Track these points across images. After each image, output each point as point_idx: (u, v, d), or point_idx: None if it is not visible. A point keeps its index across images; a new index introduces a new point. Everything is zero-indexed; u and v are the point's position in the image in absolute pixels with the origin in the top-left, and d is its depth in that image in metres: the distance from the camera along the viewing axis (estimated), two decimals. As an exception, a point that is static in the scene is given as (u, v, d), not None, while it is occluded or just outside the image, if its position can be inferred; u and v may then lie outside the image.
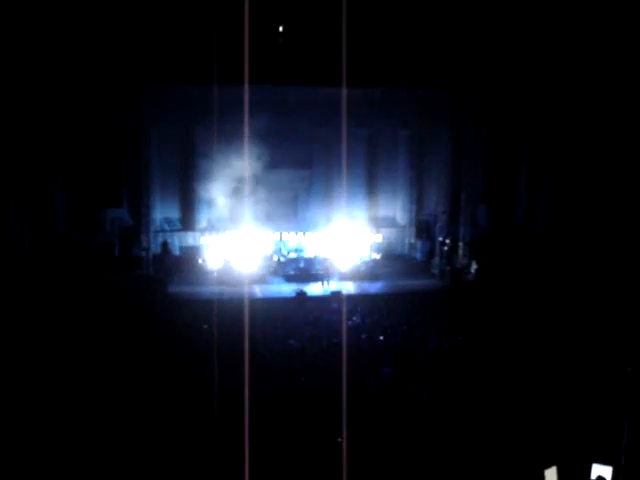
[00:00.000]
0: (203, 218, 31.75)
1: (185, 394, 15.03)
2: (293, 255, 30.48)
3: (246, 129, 31.35)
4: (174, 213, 32.28)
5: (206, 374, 14.78)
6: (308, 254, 30.42)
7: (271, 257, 30.59)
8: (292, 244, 30.89)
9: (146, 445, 13.04)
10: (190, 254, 30.94)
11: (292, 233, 30.97)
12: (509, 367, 17.67)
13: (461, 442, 13.53)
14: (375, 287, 28.91)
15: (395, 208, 34.64)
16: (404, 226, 34.25)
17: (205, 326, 19.41)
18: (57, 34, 26.83)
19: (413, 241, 33.91)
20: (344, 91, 30.52)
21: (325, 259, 30.34)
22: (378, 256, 31.00)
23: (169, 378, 16.20)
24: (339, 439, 13.25)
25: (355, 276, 29.65)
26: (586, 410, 14.75)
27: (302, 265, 30.02)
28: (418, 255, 33.40)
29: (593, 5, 27.52)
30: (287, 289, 27.84)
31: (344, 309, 23.59)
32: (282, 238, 30.98)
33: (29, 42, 26.41)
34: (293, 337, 19.77)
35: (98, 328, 20.64)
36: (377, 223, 33.70)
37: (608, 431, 13.47)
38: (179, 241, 31.73)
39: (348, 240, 30.85)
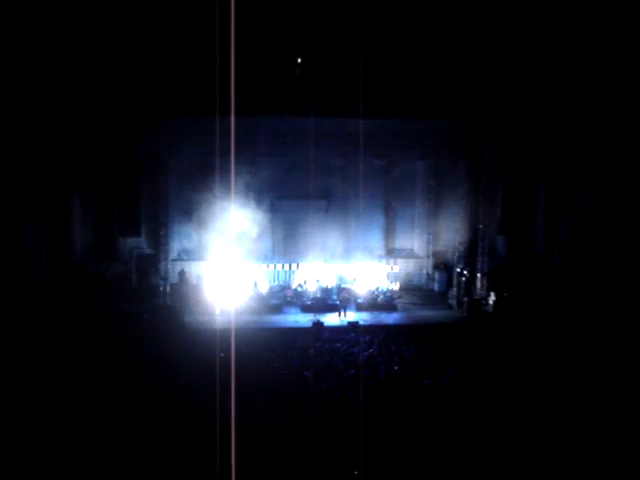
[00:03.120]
0: (220, 247, 31.81)
1: (201, 423, 14.96)
2: (310, 285, 30.42)
3: (263, 160, 31.67)
4: (192, 242, 32.41)
5: (222, 403, 14.71)
6: (325, 284, 30.36)
7: (288, 287, 30.57)
8: (309, 274, 30.86)
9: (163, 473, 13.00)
10: (207, 283, 30.95)
11: (309, 263, 30.97)
12: (528, 399, 17.48)
13: (478, 475, 13.36)
14: (392, 318, 28.75)
15: (413, 239, 34.59)
16: (422, 257, 34.17)
17: (222, 354, 19.36)
18: (79, 64, 27.29)
19: (431, 272, 33.79)
20: (362, 122, 30.81)
21: (342, 289, 30.28)
22: (395, 287, 30.88)
23: (185, 407, 16.16)
24: (355, 472, 13.13)
25: (372, 306, 29.51)
26: (604, 443, 14.56)
27: (319, 295, 29.95)
28: (436, 286, 33.25)
29: (608, 32, 27.59)
30: (304, 319, 27.73)
31: (361, 340, 23.50)
32: (299, 268, 30.99)
33: (52, 74, 26.88)
34: (309, 368, 19.67)
35: (115, 357, 20.67)
36: (394, 254, 33.66)
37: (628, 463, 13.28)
38: (197, 270, 31.79)
39: (365, 271, 30.84)
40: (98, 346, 21.85)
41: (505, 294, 28.84)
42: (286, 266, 31.03)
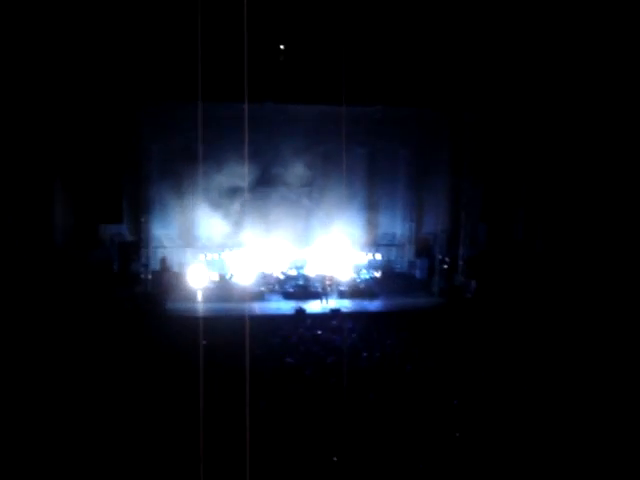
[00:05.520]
0: (202, 235, 31.73)
1: (182, 411, 14.95)
2: (292, 272, 30.45)
3: (246, 146, 31.50)
4: (173, 229, 32.28)
5: (204, 391, 14.70)
6: (307, 271, 30.40)
7: (270, 274, 30.56)
8: (291, 261, 30.88)
9: (143, 463, 12.99)
10: (189, 270, 30.88)
11: (291, 250, 30.97)
12: (508, 385, 17.64)
13: (459, 461, 13.47)
14: (374, 305, 28.86)
15: (395, 226, 34.63)
16: (404, 244, 34.24)
17: (204, 342, 19.34)
18: (59, 50, 26.96)
19: (413, 259, 33.88)
20: (344, 109, 30.70)
21: (324, 277, 30.33)
22: (378, 274, 30.97)
23: (167, 394, 16.15)
24: (335, 458, 13.20)
25: (354, 294, 29.60)
26: (585, 428, 14.74)
27: (301, 282, 29.99)
28: (417, 273, 33.35)
29: (588, 27, 27.70)
30: (286, 306, 27.78)
31: (343, 327, 23.58)
32: (282, 255, 30.97)
33: (31, 58, 26.54)
34: (292, 355, 19.72)
35: (95, 344, 20.59)
36: (377, 241, 33.73)
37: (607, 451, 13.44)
38: (178, 257, 31.68)
39: (347, 258, 30.91)
40: (79, 333, 21.75)
41: (486, 281, 29.03)
42: (268, 253, 31.02)
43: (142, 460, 13.11)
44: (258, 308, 27.90)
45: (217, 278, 29.96)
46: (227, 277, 29.83)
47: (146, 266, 29.89)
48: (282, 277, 30.38)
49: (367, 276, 30.61)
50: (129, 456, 13.25)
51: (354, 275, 30.48)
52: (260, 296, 29.30)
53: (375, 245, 32.96)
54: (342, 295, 29.54)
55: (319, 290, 29.42)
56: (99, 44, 27.56)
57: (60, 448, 13.48)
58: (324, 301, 28.49)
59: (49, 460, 13.08)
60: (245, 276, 29.92)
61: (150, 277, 29.66)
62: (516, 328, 23.38)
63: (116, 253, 31.19)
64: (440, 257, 30.97)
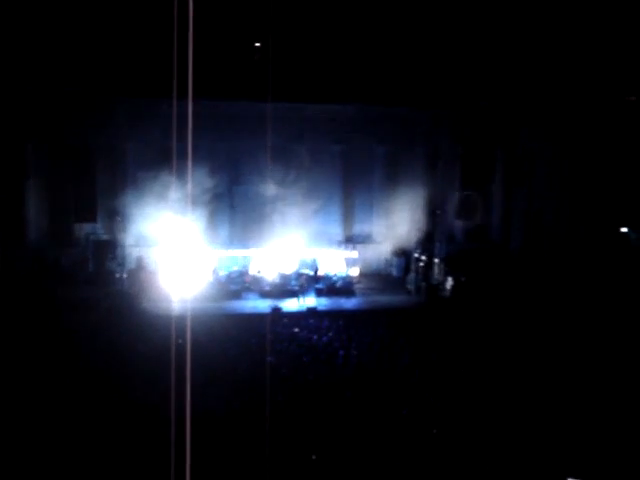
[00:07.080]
0: (177, 234, 31.51)
1: (159, 410, 14.88)
2: (269, 271, 30.36)
3: (221, 145, 31.43)
4: (149, 228, 32.03)
5: (179, 389, 14.65)
6: (283, 270, 30.33)
7: (246, 273, 30.48)
8: (269, 260, 30.80)
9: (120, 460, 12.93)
10: (165, 269, 30.69)
11: (268, 249, 30.89)
12: (485, 382, 17.76)
13: (438, 458, 13.55)
14: (351, 303, 28.86)
15: (371, 224, 34.68)
16: (380, 242, 34.28)
17: (180, 341, 19.26)
18: (32, 46, 26.73)
19: (389, 257, 33.94)
20: (320, 107, 30.76)
21: (300, 275, 30.28)
22: (354, 272, 31.00)
23: (141, 394, 16.06)
24: (313, 457, 13.21)
25: (331, 292, 29.60)
26: (557, 424, 14.88)
27: (278, 281, 29.92)
28: (394, 271, 33.41)
29: (562, 24, 28.00)
30: (263, 305, 27.69)
31: (320, 325, 23.59)
32: (258, 254, 30.90)
33: (5, 56, 26.29)
34: (268, 353, 19.67)
35: (71, 343, 20.42)
36: (353, 239, 33.74)
37: (581, 445, 13.60)
38: (154, 256, 31.45)
39: (323, 256, 30.94)
40: (52, 333, 21.54)
41: (462, 279, 29.17)
42: (244, 252, 30.94)
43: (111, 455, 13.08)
44: (235, 307, 27.80)
45: (194, 277, 29.78)
46: (204, 276, 29.64)
47: (122, 265, 29.65)
48: (259, 275, 30.29)
49: (344, 274, 30.61)
50: (98, 453, 13.19)
51: (330, 273, 30.49)
52: (237, 295, 29.19)
53: (352, 243, 32.98)
54: (319, 293, 29.53)
55: (296, 288, 29.35)
56: (73, 42, 27.38)
57: (37, 441, 13.40)
58: (300, 299, 28.44)
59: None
60: (222, 275, 29.82)
61: (126, 276, 29.42)
62: (492, 326, 23.53)
63: (91, 252, 30.93)
64: (416, 255, 31.05)
